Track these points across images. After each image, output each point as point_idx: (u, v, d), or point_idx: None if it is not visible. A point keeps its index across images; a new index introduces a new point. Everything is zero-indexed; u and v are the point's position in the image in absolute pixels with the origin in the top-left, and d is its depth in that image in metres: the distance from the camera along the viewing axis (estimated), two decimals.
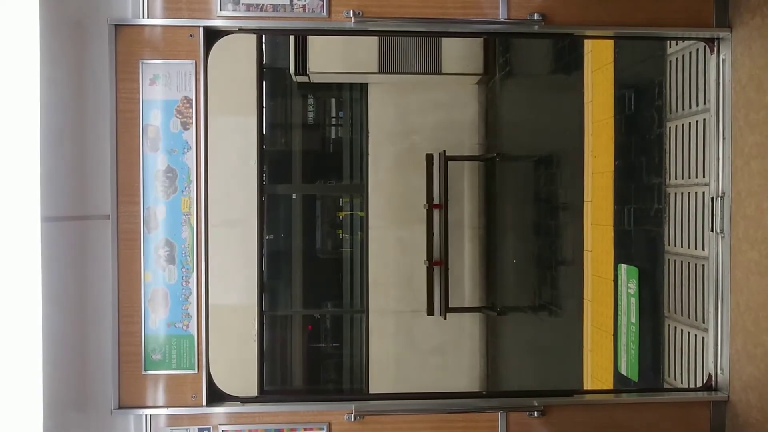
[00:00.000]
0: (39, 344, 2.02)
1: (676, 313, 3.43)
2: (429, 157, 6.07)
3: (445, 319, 6.08)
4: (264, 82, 6.29)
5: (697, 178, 3.20)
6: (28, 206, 2.02)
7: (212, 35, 2.70)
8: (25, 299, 2.01)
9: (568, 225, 4.95)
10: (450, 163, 6.11)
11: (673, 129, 3.45)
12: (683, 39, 3.18)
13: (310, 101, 7.31)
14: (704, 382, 2.92)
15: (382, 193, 6.63)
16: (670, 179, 3.50)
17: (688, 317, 3.29)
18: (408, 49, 6.26)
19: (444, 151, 6.08)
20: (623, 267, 3.98)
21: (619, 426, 2.81)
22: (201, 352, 2.67)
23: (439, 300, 5.99)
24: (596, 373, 4.37)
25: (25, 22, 2.02)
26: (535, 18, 2.73)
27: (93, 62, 2.54)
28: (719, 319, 2.85)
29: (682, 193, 3.36)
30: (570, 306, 4.89)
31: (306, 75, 6.29)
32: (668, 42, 3.45)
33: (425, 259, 6.03)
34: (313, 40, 6.17)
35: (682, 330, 3.35)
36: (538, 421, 2.77)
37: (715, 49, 2.85)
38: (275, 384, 6.92)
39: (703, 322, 3.09)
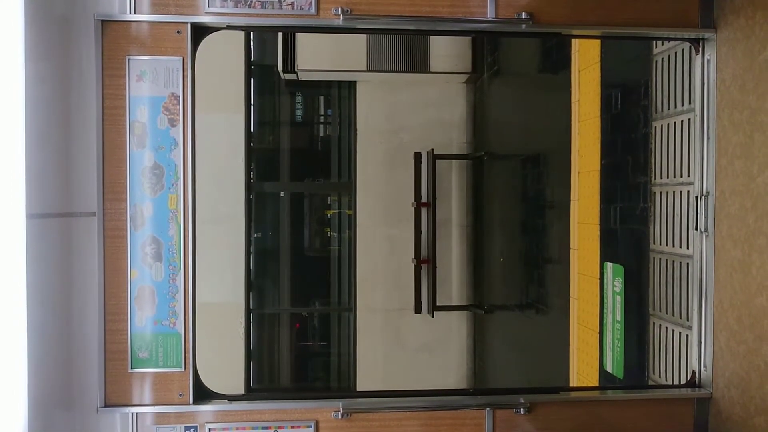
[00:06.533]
0: (24, 342, 2.01)
1: (660, 310, 3.47)
2: (417, 156, 6.08)
3: (433, 317, 6.09)
4: (252, 80, 6.27)
5: (681, 177, 3.24)
6: (13, 203, 2.00)
7: (200, 32, 2.69)
8: (10, 297, 2.00)
9: (555, 223, 4.98)
10: (438, 161, 6.12)
11: (659, 128, 3.48)
12: (669, 39, 3.21)
13: (298, 99, 7.29)
14: (688, 379, 2.95)
15: (370, 191, 6.63)
16: (655, 178, 3.53)
17: (673, 315, 3.33)
18: (396, 47, 6.26)
19: (432, 149, 6.09)
20: (609, 265, 4.01)
21: (605, 423, 2.84)
22: (188, 350, 2.66)
23: (426, 298, 6.01)
24: (582, 370, 4.41)
25: (9, 17, 2.00)
26: (523, 17, 2.75)
27: (79, 58, 2.52)
28: (703, 317, 2.89)
29: (667, 192, 3.39)
30: (556, 304, 4.92)
31: (294, 72, 6.28)
32: (654, 42, 3.48)
33: (413, 257, 6.04)
34: (301, 38, 6.15)
35: (666, 327, 3.39)
36: (524, 418, 2.79)
37: (700, 49, 2.88)
38: (263, 382, 6.91)
39: (687, 320, 3.12)
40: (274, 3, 2.67)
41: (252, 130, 6.39)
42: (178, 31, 2.64)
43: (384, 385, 6.72)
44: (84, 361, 2.55)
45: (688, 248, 3.14)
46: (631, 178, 3.80)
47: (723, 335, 2.76)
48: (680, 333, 3.24)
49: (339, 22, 2.69)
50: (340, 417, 2.71)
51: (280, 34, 6.08)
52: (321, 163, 7.20)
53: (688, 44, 3.00)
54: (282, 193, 7.09)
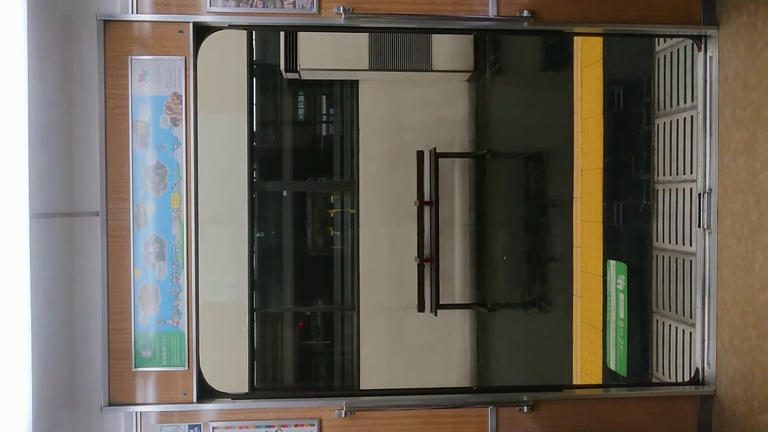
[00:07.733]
0: (28, 342, 2.02)
1: (663, 308, 3.46)
2: (419, 154, 6.09)
3: (436, 315, 6.09)
4: (254, 79, 6.28)
5: (684, 174, 3.23)
6: (17, 203, 2.01)
7: (202, 31, 2.69)
8: (13, 297, 2.00)
9: (558, 222, 4.98)
10: (440, 160, 6.12)
11: (661, 126, 3.48)
12: (671, 36, 3.20)
13: (301, 98, 7.29)
14: (691, 376, 2.95)
15: (372, 190, 6.63)
16: (658, 176, 3.53)
17: (676, 312, 3.32)
18: (398, 46, 6.26)
19: (434, 148, 6.09)
20: (612, 263, 4.01)
21: (608, 420, 2.84)
22: (191, 349, 2.67)
23: (429, 297, 6.01)
24: (585, 368, 4.40)
25: (12, 17, 2.01)
26: (525, 15, 2.74)
27: (81, 58, 2.52)
28: (706, 314, 2.88)
29: (669, 190, 3.39)
30: (559, 302, 4.91)
31: (296, 72, 6.28)
32: (656, 39, 3.47)
33: (416, 255, 6.04)
34: (303, 37, 6.16)
35: (669, 325, 3.38)
36: (527, 416, 2.79)
37: (703, 46, 2.88)
38: (266, 381, 6.92)
39: (691, 317, 3.12)
40: (276, 2, 2.67)
41: (254, 129, 6.40)
42: (181, 31, 2.64)
43: (387, 384, 6.72)
44: (87, 361, 2.55)
45: (691, 245, 3.13)
46: (634, 176, 3.80)
47: (726, 332, 2.76)
48: (683, 330, 3.24)
49: (341, 20, 2.69)
50: (343, 415, 2.72)
51: (282, 34, 6.08)
52: (323, 162, 7.20)
53: (690, 41, 3.00)
54: (285, 193, 7.09)
